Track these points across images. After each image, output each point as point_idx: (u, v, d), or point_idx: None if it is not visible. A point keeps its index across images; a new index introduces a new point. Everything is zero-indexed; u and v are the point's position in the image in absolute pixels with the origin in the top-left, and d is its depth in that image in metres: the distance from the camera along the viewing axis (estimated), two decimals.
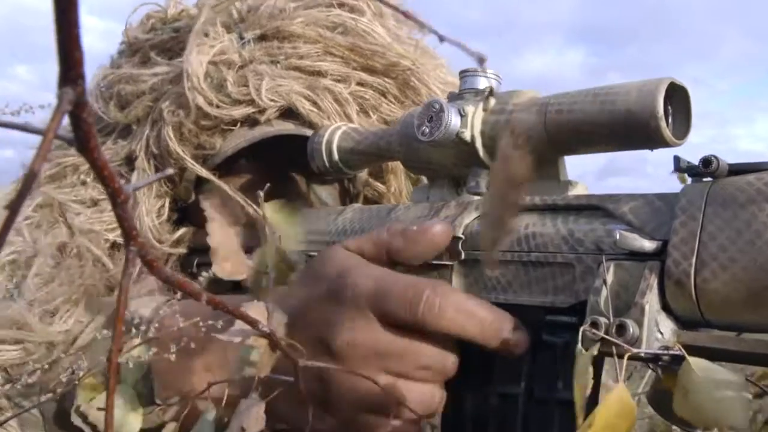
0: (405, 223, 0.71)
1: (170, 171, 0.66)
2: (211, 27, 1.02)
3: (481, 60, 0.29)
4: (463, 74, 0.73)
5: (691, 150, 0.59)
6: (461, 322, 0.61)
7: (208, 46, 0.98)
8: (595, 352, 0.53)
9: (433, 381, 0.64)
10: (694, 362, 0.51)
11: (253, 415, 0.59)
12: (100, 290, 0.92)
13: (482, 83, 0.72)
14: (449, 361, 0.64)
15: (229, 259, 0.67)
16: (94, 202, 1.01)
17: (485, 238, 0.43)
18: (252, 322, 0.49)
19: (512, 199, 0.42)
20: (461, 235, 0.68)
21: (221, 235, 0.63)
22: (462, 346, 0.65)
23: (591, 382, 0.51)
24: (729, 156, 0.54)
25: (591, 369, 0.52)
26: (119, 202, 0.33)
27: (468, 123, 0.70)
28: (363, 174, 1.01)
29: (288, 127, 0.97)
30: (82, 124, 0.29)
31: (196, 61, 0.97)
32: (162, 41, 1.08)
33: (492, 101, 0.70)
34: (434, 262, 0.68)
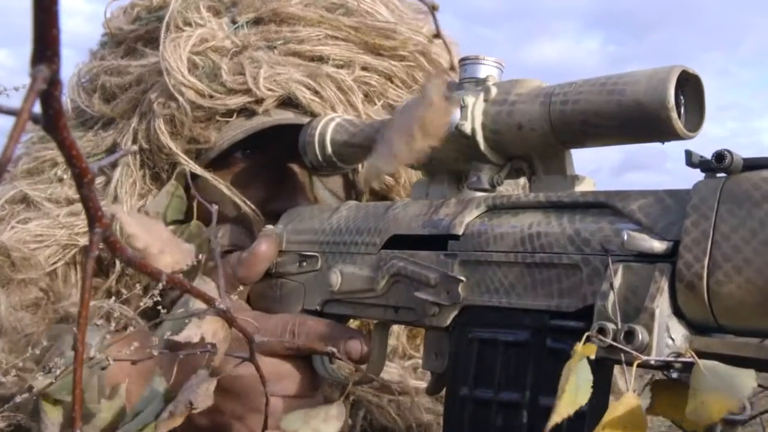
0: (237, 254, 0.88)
1: (134, 147, 0.69)
2: (196, 13, 1.01)
3: (433, 7, 0.29)
4: (463, 62, 0.73)
5: (712, 143, 0.59)
6: (311, 344, 0.76)
7: (185, 38, 0.98)
8: (593, 356, 0.53)
9: (295, 395, 0.79)
10: (704, 363, 0.51)
11: (202, 391, 0.61)
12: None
13: (483, 72, 0.72)
14: (305, 376, 0.80)
15: (165, 251, 0.70)
16: (69, 202, 1.01)
17: (372, 167, 0.44)
18: (208, 300, 0.51)
19: (416, 146, 0.43)
20: (460, 234, 0.68)
21: (144, 231, 0.65)
22: (462, 353, 0.66)
23: (587, 390, 0.51)
24: (753, 150, 0.54)
25: (588, 374, 0.52)
26: (85, 182, 0.33)
27: (468, 115, 0.70)
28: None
29: (287, 117, 0.96)
30: (54, 103, 0.29)
31: (173, 56, 0.97)
32: (147, 32, 1.08)
33: (493, 91, 0.70)
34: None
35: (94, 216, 0.35)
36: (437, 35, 0.43)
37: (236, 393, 0.75)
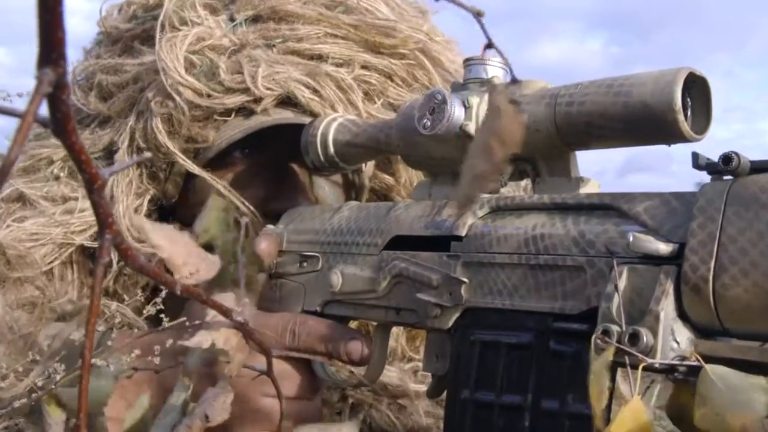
0: None
1: (148, 155, 0.69)
2: (192, 12, 1.01)
3: (479, 14, 0.29)
4: (468, 63, 0.74)
5: (717, 146, 0.59)
6: (311, 344, 0.77)
7: (181, 37, 0.98)
8: (610, 358, 0.53)
9: (293, 397, 0.78)
10: (712, 369, 0.51)
11: (219, 404, 0.61)
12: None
13: (488, 72, 0.72)
14: (304, 378, 0.80)
15: (188, 262, 0.70)
16: (65, 200, 1.01)
17: (461, 192, 0.44)
18: (225, 312, 0.51)
19: (498, 158, 0.43)
20: (463, 235, 0.68)
21: (169, 242, 0.66)
22: (464, 355, 0.66)
23: (607, 392, 0.52)
24: (758, 152, 0.54)
25: (608, 377, 0.52)
26: (95, 188, 0.33)
27: (472, 115, 0.70)
28: (370, 165, 1.01)
29: (287, 116, 0.96)
30: (62, 106, 0.29)
31: (170, 55, 0.97)
32: (144, 30, 1.08)
33: None
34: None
35: (104, 222, 0.35)
36: (490, 45, 0.43)
37: (234, 393, 0.75)
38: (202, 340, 0.59)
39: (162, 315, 0.71)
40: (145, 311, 0.73)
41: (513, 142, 0.44)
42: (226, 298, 0.60)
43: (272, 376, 0.61)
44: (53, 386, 0.71)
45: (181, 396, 0.66)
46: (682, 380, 0.55)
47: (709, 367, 0.51)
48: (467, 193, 0.45)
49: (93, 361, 0.67)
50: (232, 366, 0.61)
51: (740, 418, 0.48)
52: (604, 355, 0.53)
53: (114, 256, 0.93)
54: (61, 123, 0.30)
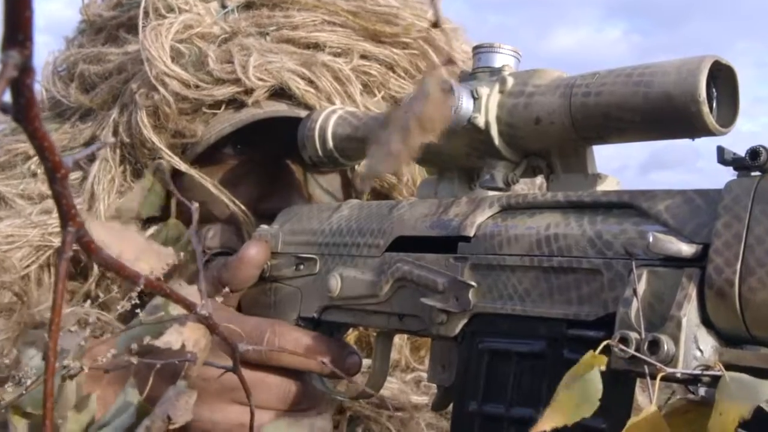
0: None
1: (111, 140, 0.70)
2: None
3: None
4: (477, 51, 0.74)
5: (744, 139, 0.59)
6: (300, 358, 0.76)
7: (167, 25, 0.98)
8: (603, 367, 0.53)
9: (279, 408, 0.78)
10: (732, 377, 0.51)
11: (182, 404, 0.61)
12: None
13: (499, 61, 0.72)
14: (292, 389, 0.79)
15: (140, 258, 0.70)
16: (43, 198, 1.02)
17: (369, 168, 0.45)
18: (189, 306, 0.51)
19: (414, 143, 0.44)
20: (471, 236, 0.68)
21: (116, 239, 0.66)
22: (472, 365, 0.66)
23: (594, 402, 0.52)
24: None
25: (597, 385, 0.52)
26: (58, 178, 0.33)
27: (482, 107, 0.71)
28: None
29: (280, 109, 0.97)
30: (25, 91, 0.29)
31: (155, 45, 0.97)
32: (130, 18, 1.08)
33: (509, 82, 0.71)
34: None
35: (67, 214, 0.35)
36: (435, 24, 0.44)
37: (202, 399, 0.74)
38: (172, 340, 0.60)
39: (137, 311, 0.71)
40: (119, 307, 0.73)
41: (433, 131, 0.45)
42: (191, 293, 0.61)
43: (239, 372, 0.61)
44: (23, 392, 0.71)
45: (135, 395, 0.66)
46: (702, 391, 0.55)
47: (728, 374, 0.52)
48: (375, 167, 0.46)
49: (66, 362, 0.68)
50: (196, 366, 0.61)
51: (738, 411, 0.48)
52: (589, 359, 0.53)
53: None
54: (24, 109, 0.30)
